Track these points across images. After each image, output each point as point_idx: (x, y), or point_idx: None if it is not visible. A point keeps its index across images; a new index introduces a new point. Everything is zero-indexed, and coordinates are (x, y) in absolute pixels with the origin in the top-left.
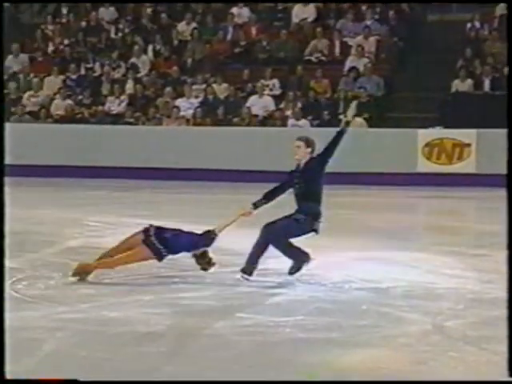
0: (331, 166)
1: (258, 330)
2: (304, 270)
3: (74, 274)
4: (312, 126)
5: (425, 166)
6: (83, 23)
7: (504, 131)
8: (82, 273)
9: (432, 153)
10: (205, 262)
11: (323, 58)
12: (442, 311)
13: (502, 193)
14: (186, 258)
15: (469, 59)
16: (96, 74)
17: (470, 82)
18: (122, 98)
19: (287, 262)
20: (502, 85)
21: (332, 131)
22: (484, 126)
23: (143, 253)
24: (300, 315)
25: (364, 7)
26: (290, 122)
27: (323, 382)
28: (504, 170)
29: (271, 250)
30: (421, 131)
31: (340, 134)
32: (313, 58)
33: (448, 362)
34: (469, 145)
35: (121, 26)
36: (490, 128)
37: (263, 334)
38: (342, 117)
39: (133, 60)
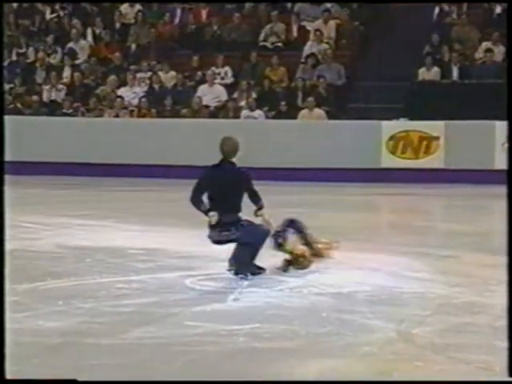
0: (287, 162)
1: (208, 339)
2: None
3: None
4: (267, 117)
5: (389, 160)
6: (14, 4)
7: (474, 123)
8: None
9: (397, 147)
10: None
11: (279, 44)
12: (407, 317)
13: (472, 190)
14: (130, 262)
15: (436, 46)
16: (29, 61)
17: (436, 70)
18: (59, 86)
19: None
20: (471, 73)
21: (289, 123)
22: (453, 118)
23: None
24: (255, 323)
25: None
26: (244, 113)
27: (323, 381)
28: (474, 165)
29: (222, 252)
30: (385, 123)
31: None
32: (268, 44)
33: (414, 371)
34: (437, 138)
35: (57, 8)
36: (460, 120)
37: (215, 343)
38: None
39: (70, 45)
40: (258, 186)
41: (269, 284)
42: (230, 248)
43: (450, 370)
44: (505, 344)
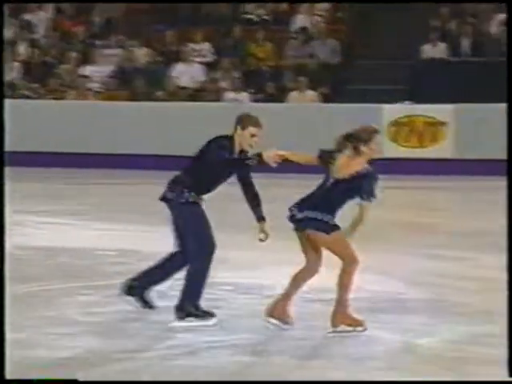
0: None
1: (186, 350)
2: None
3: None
4: (253, 100)
5: (391, 149)
6: None
7: (488, 106)
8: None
9: (400, 133)
10: None
11: (266, 17)
12: (412, 327)
13: (485, 182)
14: (98, 265)
15: (444, 19)
16: None
17: (444, 46)
18: (14, 64)
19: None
20: (484, 49)
21: (277, 107)
22: (463, 101)
23: None
24: (243, 333)
25: None
26: (227, 95)
27: (322, 381)
28: (487, 155)
29: None
30: (386, 107)
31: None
32: (253, 17)
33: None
34: (444, 123)
35: None
36: (471, 103)
37: (193, 355)
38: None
39: (27, 17)
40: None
41: (257, 290)
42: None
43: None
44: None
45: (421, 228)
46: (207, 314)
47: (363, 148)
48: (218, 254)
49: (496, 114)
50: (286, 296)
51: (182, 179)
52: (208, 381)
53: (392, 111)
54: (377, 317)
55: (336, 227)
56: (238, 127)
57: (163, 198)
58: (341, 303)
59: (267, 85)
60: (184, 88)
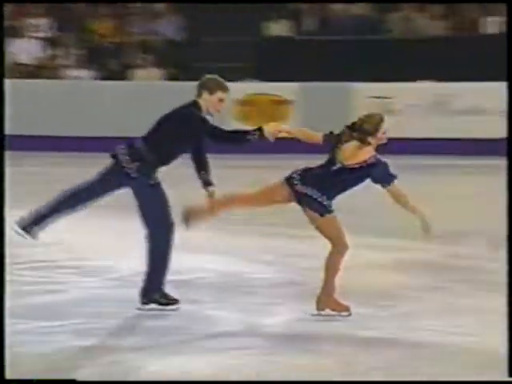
0: (120, 129)
1: (28, 338)
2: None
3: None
4: (96, 78)
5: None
6: None
7: (333, 85)
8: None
9: (245, 112)
10: None
11: None
12: (255, 307)
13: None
14: None
15: None
16: None
17: (288, 23)
18: None
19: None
20: (329, 27)
21: (121, 85)
22: (309, 79)
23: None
24: (80, 318)
25: None
26: (67, 73)
27: (322, 381)
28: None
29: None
30: (232, 85)
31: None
32: None
33: (268, 368)
34: (290, 102)
35: None
36: (317, 81)
37: (28, 343)
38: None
39: None
40: (79, 159)
41: (97, 272)
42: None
43: (304, 363)
44: (362, 332)
45: (268, 207)
46: (170, 301)
47: (370, 139)
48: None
49: (342, 93)
50: (327, 286)
51: (142, 153)
52: (208, 381)
53: (237, 89)
54: (221, 297)
55: (331, 210)
56: (205, 92)
57: (126, 175)
58: (327, 287)
59: (110, 62)
60: (22, 64)
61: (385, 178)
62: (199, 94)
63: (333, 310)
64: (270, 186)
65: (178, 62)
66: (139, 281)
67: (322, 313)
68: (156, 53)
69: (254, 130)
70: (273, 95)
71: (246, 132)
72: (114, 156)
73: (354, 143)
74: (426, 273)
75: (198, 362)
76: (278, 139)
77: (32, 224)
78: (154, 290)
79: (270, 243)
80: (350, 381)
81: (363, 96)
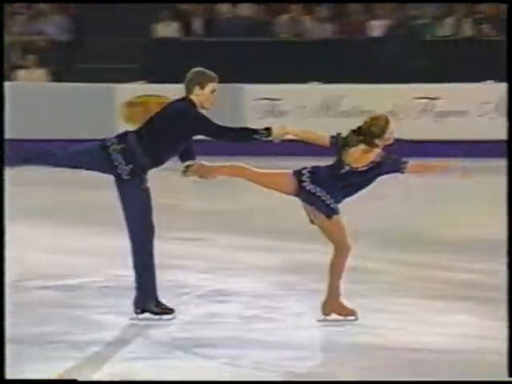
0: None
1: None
2: None
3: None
4: None
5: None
6: None
7: (222, 86)
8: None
9: (133, 114)
10: None
11: None
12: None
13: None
14: None
15: None
16: None
17: (176, 24)
18: None
19: None
20: (219, 29)
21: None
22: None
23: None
24: None
25: None
26: None
27: (322, 381)
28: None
29: None
30: (119, 87)
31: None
32: None
33: (149, 370)
34: None
35: None
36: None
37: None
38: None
39: None
40: None
41: None
42: None
43: (193, 366)
44: (254, 335)
45: (164, 210)
46: (165, 311)
47: (377, 141)
48: None
49: (231, 94)
50: (332, 289)
51: (136, 156)
52: (219, 381)
53: (125, 91)
54: (108, 301)
55: (337, 213)
56: (196, 87)
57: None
58: (332, 291)
59: None
60: None
61: (396, 167)
62: (190, 91)
63: (339, 314)
64: (279, 173)
65: (62, 63)
66: None
67: (328, 318)
68: (39, 53)
69: (263, 130)
70: (161, 97)
71: (253, 131)
72: (105, 148)
73: (361, 146)
74: (315, 273)
75: (82, 370)
76: (284, 141)
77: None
78: (147, 299)
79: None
80: (351, 381)
81: (253, 98)
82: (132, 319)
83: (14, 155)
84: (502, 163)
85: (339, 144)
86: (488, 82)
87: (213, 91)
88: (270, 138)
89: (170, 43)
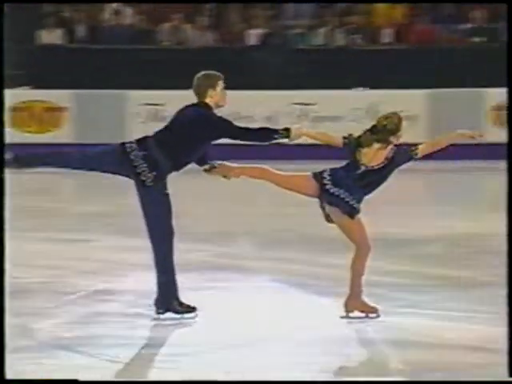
0: None
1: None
2: None
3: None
4: None
5: (13, 135)
6: None
7: (107, 92)
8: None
9: (19, 119)
10: None
11: None
12: (31, 311)
13: None
14: None
15: (59, 6)
16: None
17: (60, 31)
18: None
19: None
20: (103, 36)
21: None
22: (83, 87)
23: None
24: None
25: None
26: None
27: (322, 381)
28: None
29: None
30: (6, 92)
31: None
32: None
33: (42, 370)
34: (64, 108)
35: None
36: (91, 88)
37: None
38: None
39: None
40: None
41: None
42: None
43: (77, 365)
44: (138, 333)
45: (45, 212)
46: (188, 309)
47: (392, 138)
48: None
49: (116, 100)
50: (354, 288)
51: (159, 162)
52: (209, 381)
53: (11, 96)
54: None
55: (359, 212)
56: (209, 89)
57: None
58: (354, 289)
59: None
60: None
61: (409, 156)
62: (203, 95)
63: (361, 311)
64: (301, 176)
65: None
66: None
67: (351, 315)
68: None
69: (282, 130)
70: (45, 102)
71: (274, 131)
72: (126, 153)
73: (375, 145)
74: (197, 272)
75: None
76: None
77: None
78: (170, 299)
79: (41, 247)
80: (351, 381)
81: (136, 103)
82: (154, 319)
83: (28, 158)
84: None
85: (352, 144)
86: (359, 88)
87: (223, 88)
88: (288, 139)
89: (54, 50)
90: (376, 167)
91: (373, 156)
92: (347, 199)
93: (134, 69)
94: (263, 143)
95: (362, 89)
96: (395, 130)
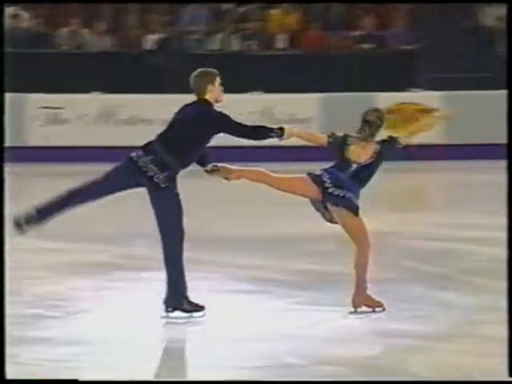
0: None
1: None
2: None
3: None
4: None
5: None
6: None
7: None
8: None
9: None
10: None
11: None
12: None
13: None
14: None
15: None
16: None
17: None
18: None
19: None
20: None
21: None
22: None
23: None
24: None
25: None
26: None
27: (322, 381)
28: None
29: None
30: None
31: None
32: None
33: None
34: None
35: None
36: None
37: None
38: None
39: None
40: None
41: None
42: None
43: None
44: (41, 333)
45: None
46: (196, 308)
47: (376, 132)
48: None
49: (16, 103)
50: (360, 284)
51: (167, 163)
52: (208, 381)
53: None
54: None
55: (359, 209)
56: (208, 85)
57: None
58: (360, 284)
59: None
60: None
61: (394, 147)
62: (202, 92)
63: (368, 306)
64: (300, 179)
65: None
66: None
67: (359, 310)
68: None
69: (277, 129)
70: None
71: (270, 129)
72: (134, 162)
73: (359, 142)
74: (97, 274)
75: None
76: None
77: (30, 220)
78: (178, 297)
79: None
80: (350, 381)
81: (35, 106)
82: (163, 318)
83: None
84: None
85: (337, 143)
86: (254, 92)
87: (220, 84)
88: (280, 138)
89: None
90: (366, 163)
91: (361, 152)
92: (352, 198)
93: (33, 73)
94: (258, 141)
95: (257, 93)
96: (380, 125)
